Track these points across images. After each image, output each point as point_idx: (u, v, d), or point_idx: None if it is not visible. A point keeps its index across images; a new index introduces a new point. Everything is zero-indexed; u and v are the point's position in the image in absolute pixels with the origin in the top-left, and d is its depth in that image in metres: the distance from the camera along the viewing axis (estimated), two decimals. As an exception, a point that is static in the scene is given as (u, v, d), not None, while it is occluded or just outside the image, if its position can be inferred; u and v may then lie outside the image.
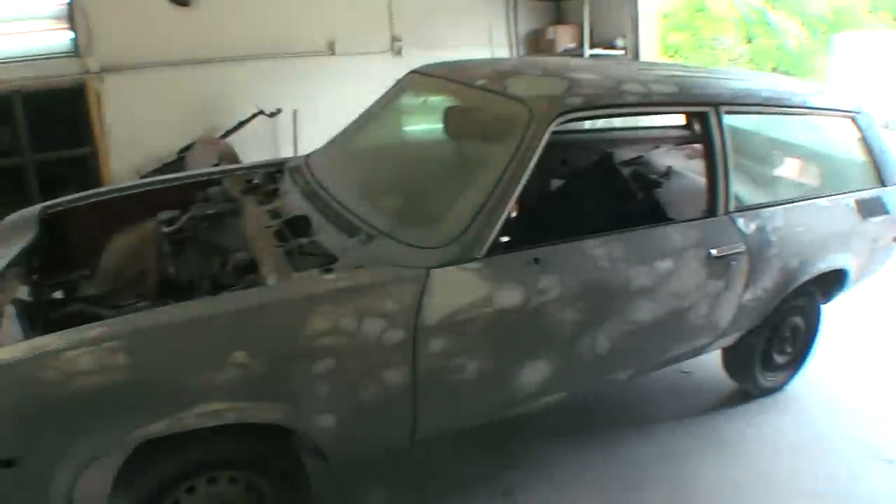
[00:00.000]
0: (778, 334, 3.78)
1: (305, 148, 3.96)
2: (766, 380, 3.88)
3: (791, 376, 4.01)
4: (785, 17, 19.69)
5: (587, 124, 4.51)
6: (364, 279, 2.40)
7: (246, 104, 6.23)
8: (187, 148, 5.99)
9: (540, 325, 2.66)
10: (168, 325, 2.24)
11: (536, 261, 2.60)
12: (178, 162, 5.97)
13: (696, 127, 3.72)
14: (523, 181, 2.58)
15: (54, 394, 2.07)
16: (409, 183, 3.14)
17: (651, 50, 8.36)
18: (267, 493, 2.58)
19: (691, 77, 3.35)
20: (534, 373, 2.76)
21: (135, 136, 6.06)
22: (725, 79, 3.54)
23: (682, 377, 4.15)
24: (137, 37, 6.02)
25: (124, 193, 3.62)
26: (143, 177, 5.65)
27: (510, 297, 2.54)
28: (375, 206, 2.88)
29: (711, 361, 3.89)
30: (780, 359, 3.89)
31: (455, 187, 2.79)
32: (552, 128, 2.67)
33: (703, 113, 3.15)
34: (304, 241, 2.77)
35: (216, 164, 5.39)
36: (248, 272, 2.78)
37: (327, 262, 2.60)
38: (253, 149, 6.16)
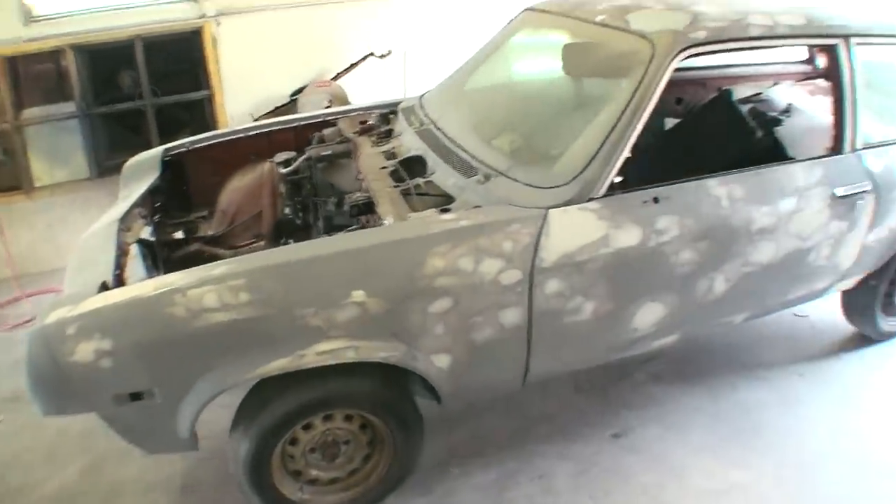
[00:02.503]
0: (902, 276, 3.62)
1: (415, 90, 3.95)
2: (887, 324, 3.74)
3: (915, 321, 3.86)
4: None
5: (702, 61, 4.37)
6: (481, 219, 2.39)
7: (357, 46, 6.21)
8: (299, 91, 6.03)
9: (657, 265, 2.62)
10: (289, 264, 2.29)
11: (656, 200, 2.55)
12: (291, 105, 6.02)
13: (823, 60, 3.56)
14: (644, 119, 2.51)
15: (181, 330, 2.15)
16: (526, 122, 3.10)
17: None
18: (381, 431, 2.65)
19: (820, 8, 3.18)
20: (649, 314, 2.73)
21: (249, 80, 6.14)
22: (856, 9, 3.34)
23: (797, 320, 4.05)
24: (249, -22, 6.09)
25: (241, 135, 3.70)
26: (256, 120, 5.74)
27: (628, 237, 2.50)
28: (492, 145, 2.86)
29: (827, 304, 3.78)
30: (903, 302, 3.74)
31: (573, 126, 2.73)
32: (675, 63, 2.59)
33: (832, 45, 3.01)
34: (420, 181, 2.79)
35: (328, 107, 5.44)
36: (365, 213, 2.82)
37: (444, 202, 2.62)
38: (363, 91, 6.18)
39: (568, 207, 2.44)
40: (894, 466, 3.02)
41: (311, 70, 6.25)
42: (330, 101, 5.62)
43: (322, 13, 6.25)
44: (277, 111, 5.98)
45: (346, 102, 5.67)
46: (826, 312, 3.95)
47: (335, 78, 6.10)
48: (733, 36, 2.75)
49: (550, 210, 2.42)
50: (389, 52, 6.23)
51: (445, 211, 2.52)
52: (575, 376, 3.48)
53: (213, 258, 3.06)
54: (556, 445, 3.15)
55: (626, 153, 2.49)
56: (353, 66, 6.17)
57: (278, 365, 2.24)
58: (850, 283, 3.43)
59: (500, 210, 2.43)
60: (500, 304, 2.40)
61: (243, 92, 6.13)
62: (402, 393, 2.62)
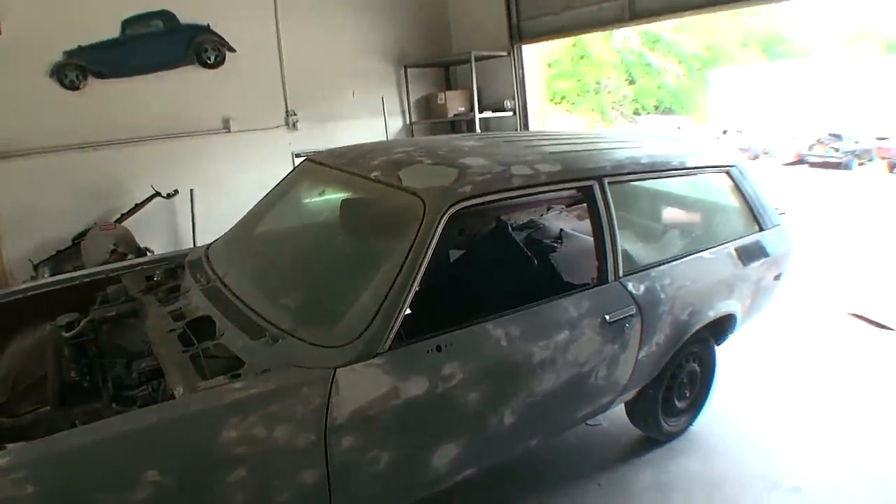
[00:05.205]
0: (676, 381, 3.95)
1: (204, 226, 3.93)
2: (669, 425, 4.05)
3: (693, 419, 4.20)
4: (663, 57, 20.76)
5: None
6: (271, 386, 2.41)
7: (142, 186, 6.14)
8: (83, 234, 5.85)
9: (447, 409, 2.73)
10: (75, 450, 2.20)
11: (439, 349, 2.68)
12: (73, 248, 5.82)
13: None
14: (421, 273, 2.66)
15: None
16: (310, 279, 3.18)
17: (538, 107, 8.70)
18: None
19: (575, 152, 3.48)
20: (445, 455, 2.82)
21: (28, 224, 5.93)
22: (608, 148, 3.70)
23: (592, 430, 4.27)
24: (28, 122, 5.92)
25: (19, 296, 3.54)
26: (36, 265, 5.51)
27: (416, 386, 2.60)
28: (277, 304, 2.91)
29: (617, 410, 3.99)
30: (680, 404, 4.06)
31: (355, 283, 2.85)
32: (446, 218, 2.77)
33: (587, 187, 3.31)
34: (209, 344, 2.77)
35: (113, 249, 5.30)
36: (154, 378, 2.77)
37: (234, 366, 2.61)
38: (151, 231, 6.09)
39: (355, 365, 2.51)
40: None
41: (95, 212, 6.10)
42: (115, 245, 5.47)
43: (105, 154, 6.15)
44: (59, 255, 5.76)
45: (133, 244, 5.55)
46: (617, 417, 4.18)
47: (120, 220, 5.97)
48: (498, 188, 2.99)
49: (338, 369, 2.48)
50: (176, 192, 6.17)
51: (236, 377, 2.51)
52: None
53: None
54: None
55: (407, 307, 2.62)
56: (138, 206, 6.07)
57: (67, 555, 2.12)
58: (630, 395, 3.70)
59: (289, 374, 2.47)
60: (297, 465, 2.41)
61: (22, 236, 5.88)
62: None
